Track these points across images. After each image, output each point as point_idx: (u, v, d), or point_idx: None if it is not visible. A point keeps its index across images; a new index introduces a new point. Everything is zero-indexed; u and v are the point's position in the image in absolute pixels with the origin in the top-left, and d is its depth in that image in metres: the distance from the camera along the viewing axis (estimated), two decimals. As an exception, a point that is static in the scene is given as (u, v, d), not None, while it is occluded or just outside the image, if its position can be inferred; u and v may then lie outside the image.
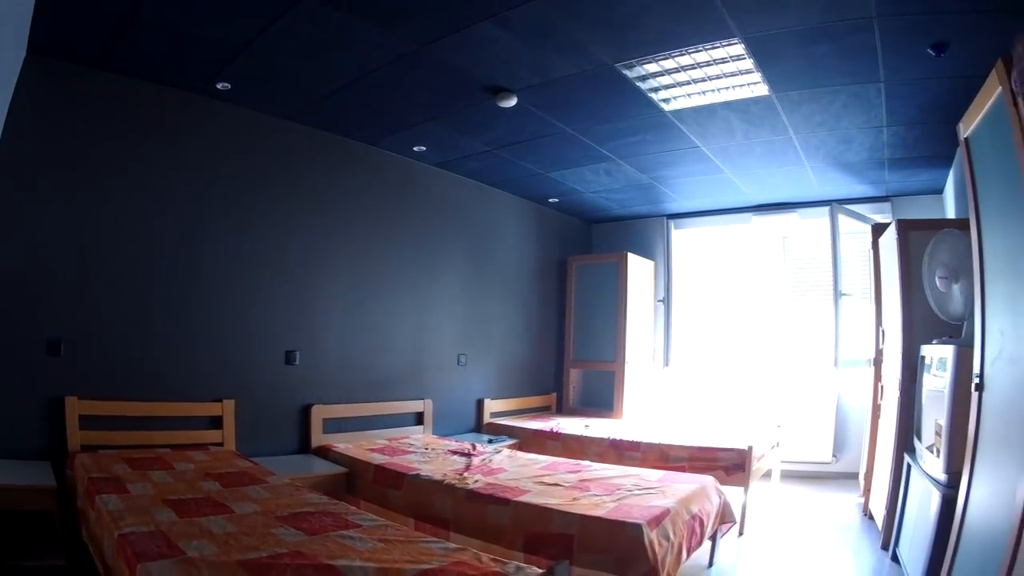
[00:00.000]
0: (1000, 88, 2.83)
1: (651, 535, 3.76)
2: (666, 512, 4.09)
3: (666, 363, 9.72)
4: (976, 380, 3.32)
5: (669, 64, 4.76)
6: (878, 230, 6.39)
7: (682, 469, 5.84)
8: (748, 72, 4.81)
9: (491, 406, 8.22)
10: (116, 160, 4.96)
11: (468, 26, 4.25)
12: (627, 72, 4.87)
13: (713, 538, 4.96)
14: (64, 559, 3.78)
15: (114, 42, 4.46)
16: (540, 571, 2.77)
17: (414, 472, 5.09)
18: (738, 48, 4.45)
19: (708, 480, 5.08)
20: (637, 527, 3.74)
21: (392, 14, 4.14)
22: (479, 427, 8.06)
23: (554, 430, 7.47)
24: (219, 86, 5.25)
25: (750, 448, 5.94)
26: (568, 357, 9.64)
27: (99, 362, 4.82)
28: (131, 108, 5.05)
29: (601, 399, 9.32)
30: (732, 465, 5.98)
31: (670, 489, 4.67)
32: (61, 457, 4.45)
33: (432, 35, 4.40)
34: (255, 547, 2.86)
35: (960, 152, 3.68)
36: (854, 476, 7.28)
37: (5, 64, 3.77)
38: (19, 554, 3.77)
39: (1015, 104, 2.59)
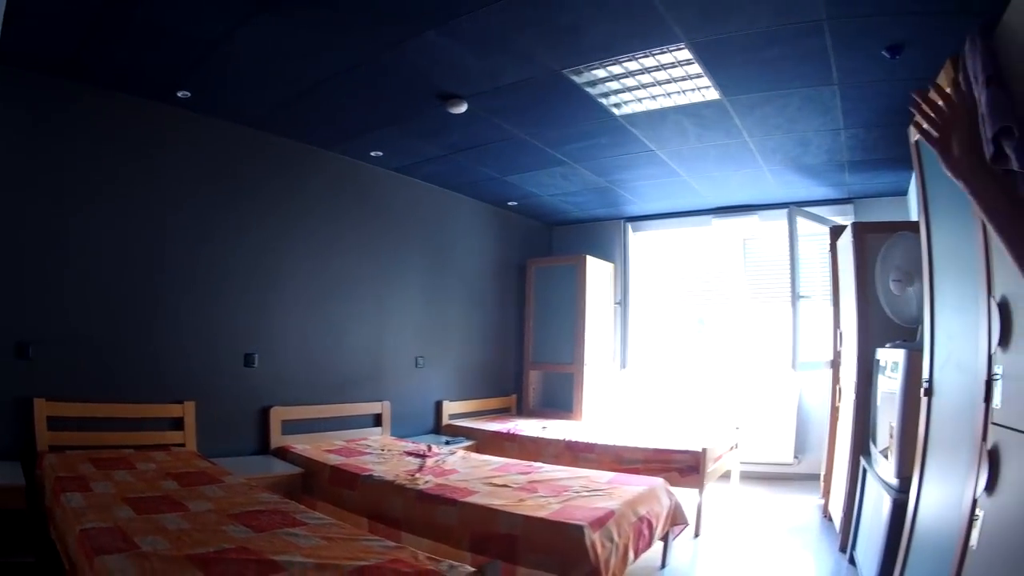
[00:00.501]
0: (948, 90, 2.82)
1: (593, 536, 3.78)
2: (610, 514, 4.10)
3: (623, 365, 9.72)
4: (925, 385, 3.33)
5: (617, 70, 4.74)
6: (836, 232, 6.42)
7: (636, 471, 5.82)
8: (698, 76, 4.78)
9: (450, 408, 8.21)
10: (79, 167, 4.99)
11: (417, 35, 4.24)
12: (575, 78, 4.84)
13: (665, 539, 4.97)
14: (33, 556, 3.91)
15: (78, 51, 4.46)
16: (472, 570, 2.81)
17: (367, 473, 5.14)
18: (685, 53, 4.42)
19: (658, 482, 5.08)
20: (579, 528, 3.77)
21: (342, 24, 4.13)
22: (438, 429, 8.06)
23: (511, 432, 7.48)
24: (179, 94, 5.24)
25: (704, 450, 5.94)
26: (528, 359, 9.62)
27: (66, 365, 4.86)
28: (94, 116, 5.08)
29: (561, 401, 9.33)
30: (686, 467, 5.99)
31: (618, 491, 4.68)
32: (31, 457, 4.50)
33: (382, 44, 4.39)
34: (204, 542, 2.97)
35: (912, 156, 3.67)
36: (816, 477, 7.29)
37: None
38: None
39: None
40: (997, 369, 2.32)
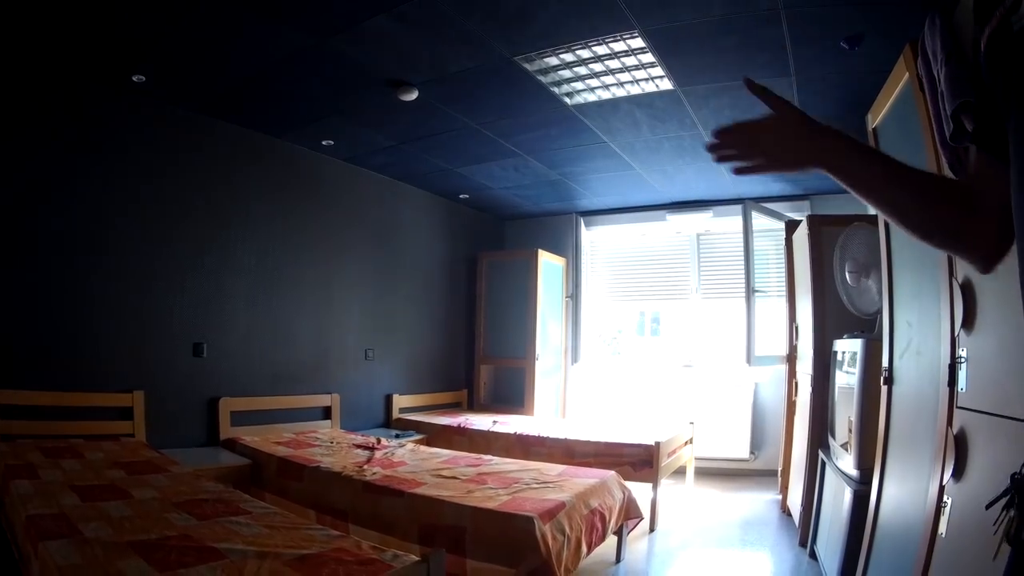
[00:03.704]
0: (907, 75, 2.78)
1: (543, 528, 3.75)
2: (561, 506, 4.06)
3: (575, 359, 9.66)
4: (885, 373, 3.29)
5: (569, 57, 4.67)
6: (791, 227, 6.40)
7: (588, 465, 5.76)
8: (651, 66, 4.73)
9: (400, 401, 8.13)
10: (23, 149, 4.84)
11: (363, 20, 4.16)
12: (527, 65, 4.77)
13: (619, 533, 4.94)
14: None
15: (33, 35, 4.37)
16: (416, 559, 2.77)
17: (315, 464, 5.08)
18: (638, 41, 4.36)
19: (609, 475, 5.04)
20: (529, 520, 3.74)
21: (286, 8, 4.03)
22: (388, 422, 7.98)
23: (461, 425, 7.43)
24: (135, 79, 5.11)
25: (657, 444, 5.89)
26: (479, 353, 9.57)
27: (13, 352, 4.76)
28: (43, 99, 4.94)
29: (512, 395, 9.29)
30: (639, 461, 5.95)
31: (569, 483, 4.64)
32: None
33: (327, 29, 4.30)
34: (146, 529, 2.97)
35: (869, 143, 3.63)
36: (773, 473, 7.27)
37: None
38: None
39: (921, 89, 2.52)
40: (961, 352, 2.27)
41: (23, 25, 4.19)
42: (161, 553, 2.65)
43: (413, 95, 5.27)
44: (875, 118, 3.44)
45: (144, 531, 2.92)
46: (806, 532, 5.00)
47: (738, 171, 1.44)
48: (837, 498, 4.11)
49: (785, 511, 6.20)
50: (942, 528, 2.29)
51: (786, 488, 6.27)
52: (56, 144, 4.99)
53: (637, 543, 5.38)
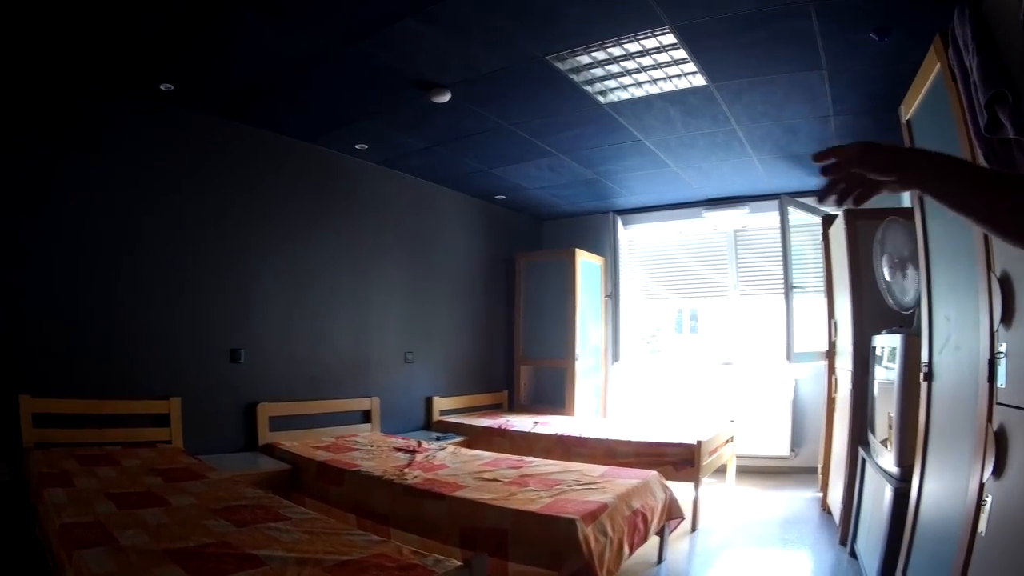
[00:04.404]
0: (938, 66, 2.73)
1: (586, 530, 3.71)
2: (603, 507, 4.02)
3: (615, 359, 9.62)
4: (925, 369, 3.24)
5: (601, 55, 4.65)
6: (828, 221, 6.35)
7: (630, 465, 5.73)
8: (683, 62, 4.69)
9: (440, 404, 8.14)
10: (61, 161, 4.91)
11: (391, 23, 4.17)
12: (559, 64, 4.76)
13: (661, 534, 4.90)
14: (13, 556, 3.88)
15: (59, 49, 4.44)
16: (457, 564, 2.75)
17: (355, 468, 5.06)
18: (670, 37, 4.34)
19: (651, 475, 4.99)
20: (571, 522, 3.69)
21: (313, 13, 4.06)
22: (428, 425, 7.99)
23: (502, 427, 7.42)
24: (162, 87, 5.16)
25: (699, 443, 5.84)
26: (518, 354, 9.57)
27: (51, 360, 4.80)
28: (69, 110, 4.98)
29: (553, 396, 9.25)
30: (681, 460, 5.91)
31: (611, 484, 4.60)
32: (18, 455, 4.44)
33: (354, 33, 4.31)
34: (184, 537, 2.94)
35: (903, 136, 3.58)
36: (814, 470, 7.20)
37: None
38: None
39: (953, 80, 2.48)
40: (1000, 347, 2.23)
41: (47, 38, 4.27)
42: (199, 561, 2.64)
43: (446, 97, 5.27)
44: (908, 110, 3.39)
45: (181, 538, 2.91)
46: (846, 530, 4.94)
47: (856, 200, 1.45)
48: (877, 496, 4.05)
49: (825, 509, 6.13)
50: (982, 526, 2.25)
51: (826, 486, 6.22)
52: (92, 154, 5.06)
53: (679, 543, 5.34)
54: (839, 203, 1.46)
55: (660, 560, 4.91)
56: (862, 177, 1.38)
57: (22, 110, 4.69)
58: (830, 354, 6.42)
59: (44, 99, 4.81)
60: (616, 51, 4.58)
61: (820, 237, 6.65)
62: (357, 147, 6.82)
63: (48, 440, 4.66)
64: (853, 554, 4.74)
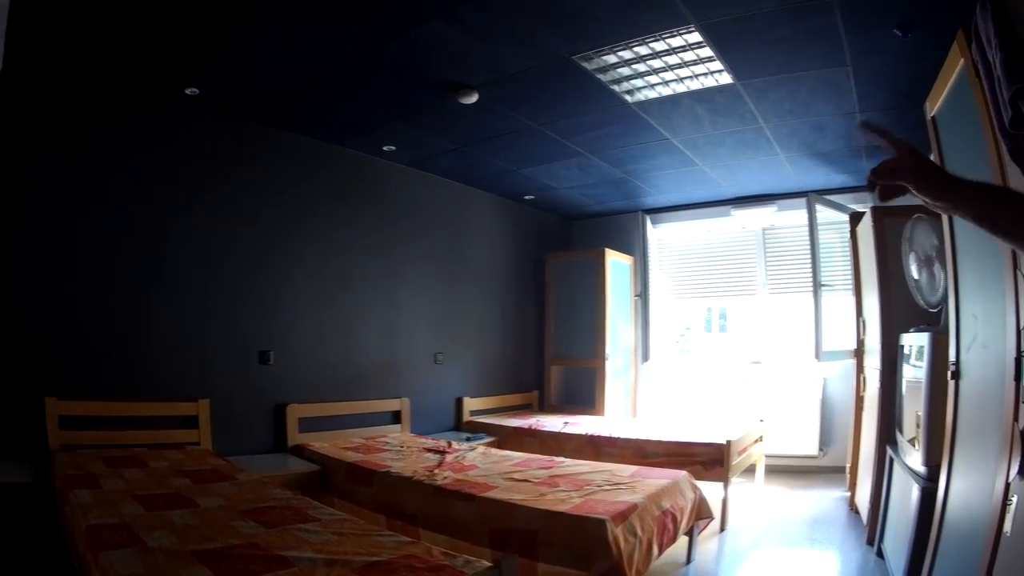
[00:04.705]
0: (962, 61, 2.72)
1: (615, 531, 3.70)
2: (633, 507, 4.01)
3: (645, 358, 9.60)
4: (952, 368, 3.22)
5: (627, 55, 4.65)
6: (855, 219, 6.31)
7: (659, 465, 5.71)
8: (709, 60, 4.69)
9: (470, 404, 8.17)
10: (90, 164, 4.99)
11: (417, 25, 4.20)
12: (585, 64, 4.77)
13: (690, 534, 4.88)
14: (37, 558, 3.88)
15: (88, 54, 4.50)
16: (487, 565, 2.74)
17: (385, 469, 5.06)
18: (695, 36, 4.34)
19: (681, 475, 4.98)
20: (600, 523, 3.69)
21: (337, 16, 4.09)
22: (458, 425, 8.01)
23: (532, 427, 7.42)
24: (188, 91, 5.21)
25: (728, 443, 5.84)
26: (548, 354, 9.58)
27: (78, 363, 4.86)
28: (103, 114, 5.07)
29: (583, 396, 9.21)
30: (710, 460, 5.91)
31: (641, 484, 4.59)
32: (44, 457, 4.48)
33: (385, 34, 4.34)
34: (212, 538, 2.95)
35: (928, 133, 3.56)
36: (842, 470, 7.16)
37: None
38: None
39: (977, 76, 2.47)
40: (1027, 346, 2.22)
41: (74, 44, 4.34)
42: (227, 562, 2.65)
43: (473, 98, 5.29)
44: (933, 107, 3.37)
45: (209, 540, 2.92)
46: (873, 530, 4.91)
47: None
48: (904, 495, 4.03)
49: (853, 508, 6.10)
50: (1007, 526, 2.24)
51: (854, 485, 6.18)
52: (119, 158, 5.15)
53: (707, 543, 5.33)
54: (880, 200, 1.47)
55: (688, 560, 4.90)
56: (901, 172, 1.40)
57: (50, 115, 4.77)
58: (858, 353, 6.38)
59: (72, 104, 4.89)
60: (642, 50, 4.59)
61: (848, 235, 6.61)
62: (385, 149, 6.86)
63: (74, 442, 4.70)
64: (880, 554, 4.71)
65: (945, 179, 1.37)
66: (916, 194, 1.38)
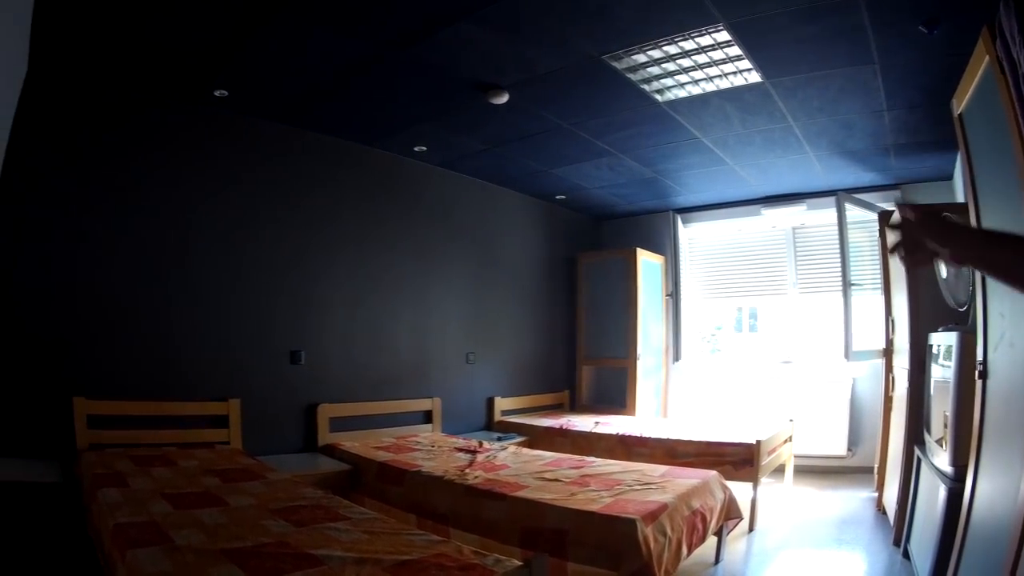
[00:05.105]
0: (987, 58, 2.71)
1: (645, 530, 3.70)
2: (663, 507, 4.02)
3: (676, 358, 9.59)
4: (979, 367, 3.20)
5: (657, 54, 4.67)
6: (884, 217, 6.27)
7: (690, 464, 5.72)
8: (738, 59, 4.70)
9: (501, 404, 8.20)
10: (118, 166, 5.06)
11: (445, 26, 4.23)
12: (615, 64, 4.79)
13: (719, 534, 4.87)
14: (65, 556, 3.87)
15: (115, 57, 4.57)
16: (518, 564, 2.75)
17: (416, 468, 5.11)
18: (724, 35, 4.35)
19: (711, 475, 4.99)
20: (630, 522, 3.69)
21: (364, 17, 4.13)
22: (489, 425, 8.05)
23: (563, 427, 7.44)
24: (216, 93, 5.27)
25: (758, 443, 5.83)
26: (580, 354, 9.60)
27: (106, 363, 4.92)
28: (133, 118, 5.15)
29: (614, 396, 9.21)
30: (740, 460, 5.90)
31: (671, 484, 4.59)
32: (71, 456, 4.52)
33: (410, 36, 4.38)
34: (241, 537, 2.97)
35: (956, 130, 3.54)
36: (870, 470, 7.11)
37: (7, 80, 3.76)
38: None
39: (1003, 73, 2.46)
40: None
41: (103, 45, 4.40)
42: (256, 560, 2.67)
43: (504, 98, 5.32)
44: (960, 104, 3.35)
45: (239, 538, 2.94)
46: (900, 531, 4.88)
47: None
48: (931, 496, 4.00)
49: (881, 509, 6.07)
50: (1032, 527, 2.24)
51: (882, 485, 6.14)
52: (148, 159, 5.22)
53: (736, 543, 5.32)
54: (905, 264, 1.62)
55: (717, 560, 4.90)
56: (922, 242, 1.51)
57: (77, 116, 4.84)
58: (888, 352, 6.34)
59: (100, 105, 4.96)
60: (672, 49, 4.60)
61: (877, 234, 6.56)
62: (416, 149, 6.92)
63: (103, 442, 4.75)
64: (907, 555, 4.68)
65: (949, 228, 1.49)
66: (927, 241, 1.49)
